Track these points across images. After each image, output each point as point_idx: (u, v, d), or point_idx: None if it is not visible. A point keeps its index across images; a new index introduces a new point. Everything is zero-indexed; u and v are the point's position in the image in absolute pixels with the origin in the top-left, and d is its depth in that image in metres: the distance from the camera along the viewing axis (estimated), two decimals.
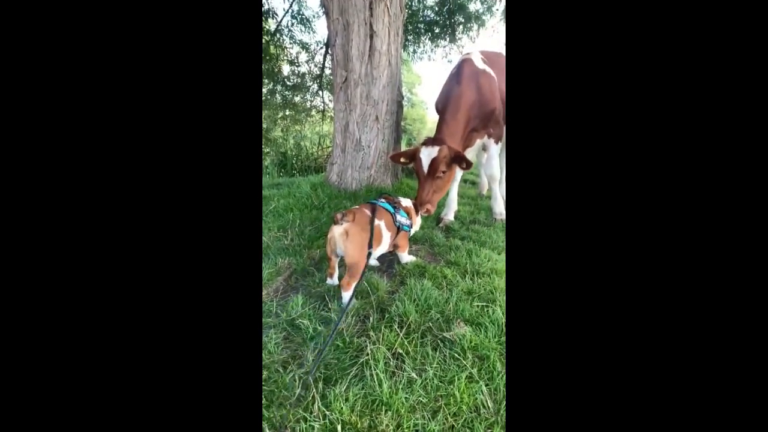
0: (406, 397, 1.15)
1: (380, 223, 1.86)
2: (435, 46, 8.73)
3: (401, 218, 2.01)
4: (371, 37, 3.05)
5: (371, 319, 1.57)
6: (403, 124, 4.71)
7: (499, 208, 3.08)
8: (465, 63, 2.75)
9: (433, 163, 2.34)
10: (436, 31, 8.17)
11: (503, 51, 3.80)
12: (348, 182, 3.31)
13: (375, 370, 1.24)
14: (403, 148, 4.46)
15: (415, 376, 1.24)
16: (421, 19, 7.96)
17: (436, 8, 7.84)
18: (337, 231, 1.69)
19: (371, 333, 1.46)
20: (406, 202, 2.18)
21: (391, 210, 1.97)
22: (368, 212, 1.84)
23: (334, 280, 1.83)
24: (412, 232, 2.23)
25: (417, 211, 2.26)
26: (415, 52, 8.96)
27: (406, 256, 2.18)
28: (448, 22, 7.89)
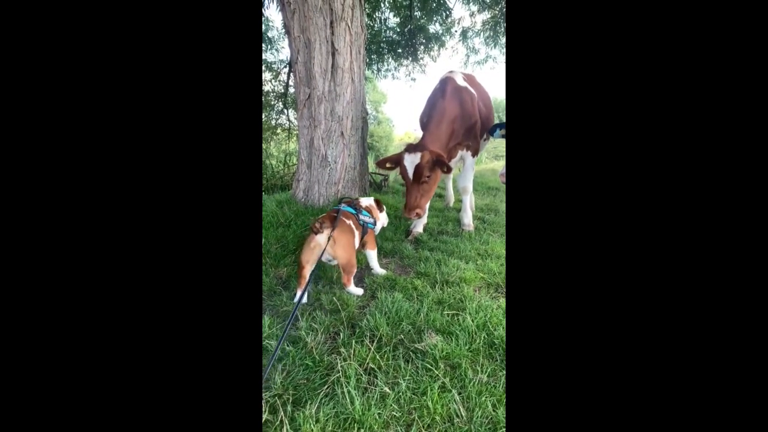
0: (379, 413, 1.12)
1: (349, 222, 1.98)
2: (398, 65, 8.99)
3: (364, 217, 2.12)
4: (333, 54, 3.08)
5: (342, 335, 1.53)
6: (369, 140, 4.76)
7: (468, 219, 3.18)
8: (448, 80, 2.93)
9: (418, 168, 2.42)
10: (399, 50, 8.43)
11: (464, 70, 4.02)
12: (315, 198, 3.27)
13: (347, 387, 1.20)
14: (370, 163, 4.51)
15: (387, 390, 1.21)
16: (384, 38, 8.19)
17: (398, 29, 8.10)
18: (321, 239, 1.77)
19: (342, 349, 1.42)
20: (367, 201, 2.29)
21: (353, 212, 2.09)
22: (335, 215, 1.94)
23: (303, 298, 1.78)
24: (378, 228, 2.32)
25: (381, 209, 2.36)
26: (379, 70, 9.18)
27: (377, 267, 2.21)
28: (410, 43, 8.17)
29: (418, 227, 3.01)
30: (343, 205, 2.11)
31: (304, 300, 1.82)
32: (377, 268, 2.21)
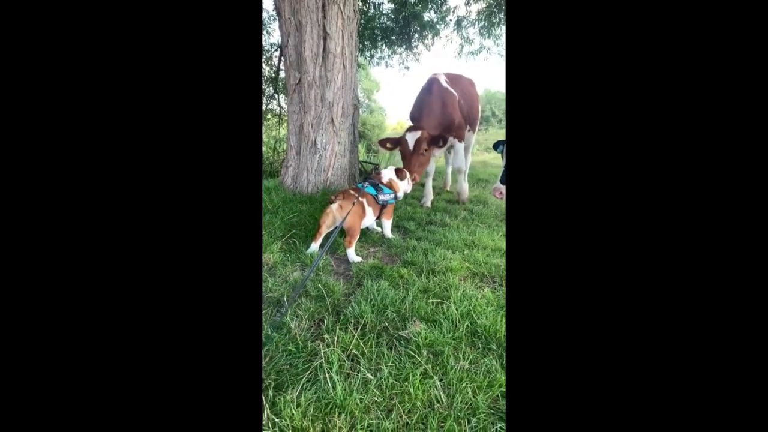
0: (360, 398, 1.13)
1: (363, 200, 2.36)
2: (392, 53, 8.86)
3: (383, 196, 2.48)
4: (325, 39, 3.02)
5: (326, 321, 1.53)
6: (362, 129, 4.75)
7: (464, 191, 3.87)
8: (434, 81, 3.60)
9: (417, 142, 3.08)
10: (393, 38, 8.29)
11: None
12: (303, 185, 3.24)
13: (329, 372, 1.21)
14: (362, 152, 4.65)
15: (370, 376, 1.22)
16: (377, 24, 8.05)
17: (392, 15, 7.96)
18: (333, 207, 2.25)
19: (326, 336, 1.42)
20: (389, 174, 2.63)
21: (374, 193, 2.45)
22: (353, 192, 2.36)
23: (314, 247, 2.28)
24: (401, 195, 2.72)
25: (402, 177, 2.67)
26: (372, 57, 9.04)
27: (389, 233, 2.66)
28: (404, 30, 8.04)
29: (427, 203, 3.75)
30: (366, 184, 2.48)
31: (313, 247, 2.28)
32: (389, 233, 2.66)
